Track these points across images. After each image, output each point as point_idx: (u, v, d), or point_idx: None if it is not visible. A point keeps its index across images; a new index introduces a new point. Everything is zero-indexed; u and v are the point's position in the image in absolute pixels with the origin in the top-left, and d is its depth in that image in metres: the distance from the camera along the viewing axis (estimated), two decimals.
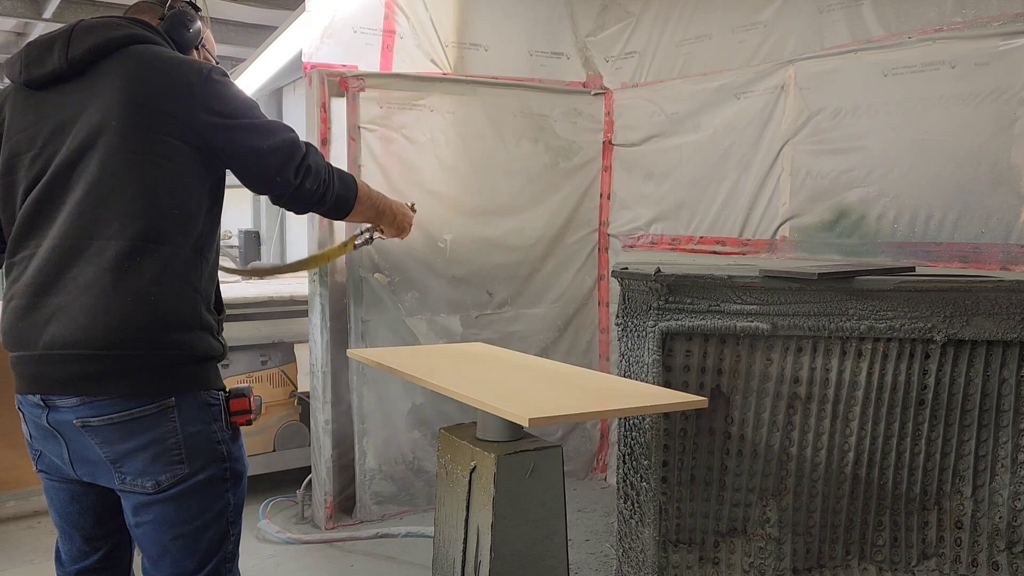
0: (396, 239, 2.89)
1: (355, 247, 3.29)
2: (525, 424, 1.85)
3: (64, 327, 1.61)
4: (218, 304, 1.90)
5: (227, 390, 1.82)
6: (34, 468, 1.87)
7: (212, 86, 1.75)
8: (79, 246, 1.64)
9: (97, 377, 1.62)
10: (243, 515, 1.86)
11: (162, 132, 1.68)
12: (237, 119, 1.78)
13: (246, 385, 1.86)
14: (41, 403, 1.68)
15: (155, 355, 1.66)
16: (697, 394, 2.70)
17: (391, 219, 2.58)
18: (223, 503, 1.78)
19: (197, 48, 2.03)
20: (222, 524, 1.78)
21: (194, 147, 1.72)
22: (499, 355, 2.82)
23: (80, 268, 1.63)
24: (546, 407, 1.96)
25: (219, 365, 1.83)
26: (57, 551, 1.92)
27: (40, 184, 1.69)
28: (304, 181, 1.90)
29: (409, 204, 2.83)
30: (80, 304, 1.61)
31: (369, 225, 2.94)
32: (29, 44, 1.80)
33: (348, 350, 2.91)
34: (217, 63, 2.02)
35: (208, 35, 2.10)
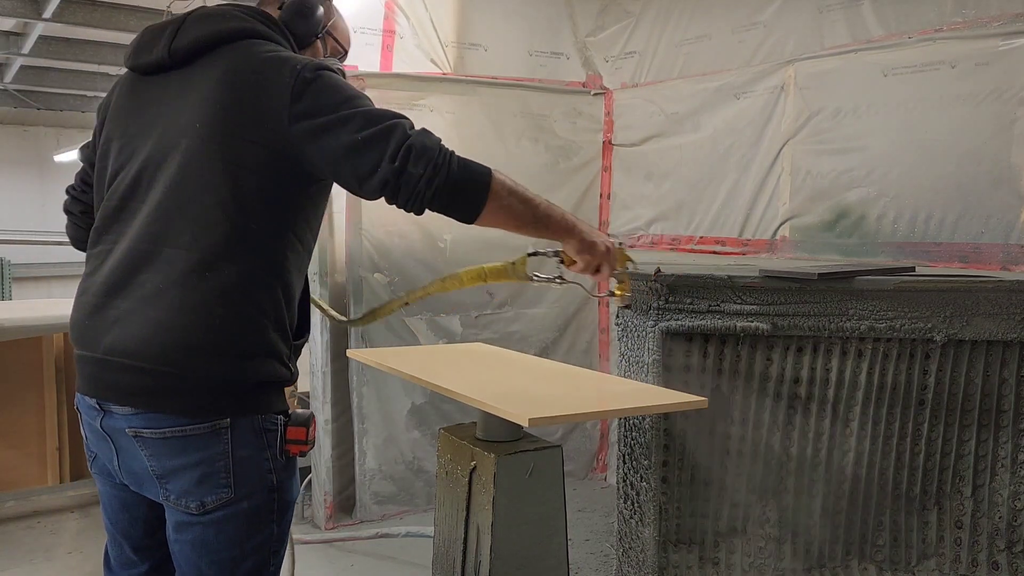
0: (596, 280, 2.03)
1: (529, 278, 2.20)
2: (525, 424, 1.84)
3: (125, 335, 1.55)
4: (300, 329, 1.76)
5: (289, 414, 1.70)
6: (89, 468, 1.79)
7: (305, 85, 1.58)
8: (152, 251, 1.56)
9: (152, 391, 1.55)
10: (285, 544, 1.76)
11: (247, 139, 1.57)
12: (327, 115, 1.59)
13: (309, 412, 1.72)
14: (97, 407, 1.62)
15: (211, 377, 1.56)
16: (697, 394, 2.70)
17: (568, 232, 1.89)
18: (266, 534, 1.67)
19: (322, 38, 1.88)
20: (263, 555, 1.68)
21: (283, 157, 1.59)
22: (499, 355, 2.81)
23: (149, 275, 1.56)
24: (546, 407, 1.95)
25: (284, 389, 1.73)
26: (106, 554, 1.85)
27: (122, 178, 1.63)
28: (406, 164, 1.63)
29: (616, 243, 2.01)
30: (144, 314, 1.54)
31: (552, 250, 2.06)
32: (145, 28, 1.73)
33: (348, 350, 2.80)
34: (344, 53, 1.93)
35: (339, 23, 1.94)
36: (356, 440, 3.82)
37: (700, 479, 2.74)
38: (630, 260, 2.06)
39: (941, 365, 2.57)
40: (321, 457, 3.84)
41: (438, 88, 3.91)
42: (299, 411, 1.72)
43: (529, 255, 2.16)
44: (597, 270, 1.92)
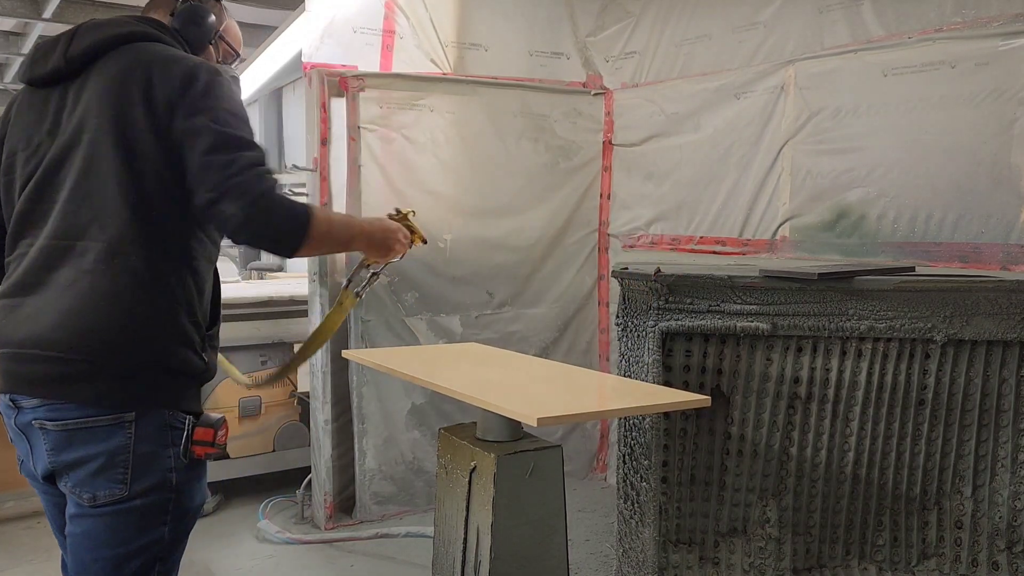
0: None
1: (359, 296, 2.48)
2: (533, 424, 1.84)
3: (38, 326, 1.57)
4: (212, 318, 1.78)
5: (198, 415, 1.70)
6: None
7: (192, 82, 1.62)
8: (64, 247, 1.60)
9: (61, 379, 1.56)
10: (178, 550, 1.71)
11: (141, 130, 1.60)
12: (199, 119, 1.61)
13: (221, 416, 1.73)
14: (11, 403, 1.63)
15: (122, 363, 1.58)
16: (697, 394, 2.71)
17: (368, 243, 2.04)
18: (155, 535, 1.64)
19: (214, 43, 1.93)
20: (148, 558, 1.63)
21: (174, 148, 1.62)
22: (495, 355, 2.82)
23: (63, 269, 1.59)
24: (552, 407, 1.96)
25: (200, 385, 1.73)
26: (62, 559, 1.84)
27: (32, 183, 1.66)
28: (221, 199, 1.58)
29: (399, 213, 2.33)
30: (56, 305, 1.57)
31: (358, 266, 2.44)
32: (37, 43, 1.79)
33: (344, 351, 2.81)
34: (236, 55, 1.97)
35: (230, 27, 1.99)
36: (356, 440, 3.82)
37: (700, 479, 2.74)
38: (410, 212, 2.36)
39: (941, 365, 2.57)
40: (321, 457, 3.84)
41: (438, 88, 3.91)
42: (211, 414, 1.73)
43: (346, 287, 2.45)
44: (395, 251, 2.13)
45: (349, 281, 2.45)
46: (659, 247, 4.10)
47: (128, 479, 1.59)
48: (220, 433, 1.72)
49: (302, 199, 4.13)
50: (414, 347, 3.70)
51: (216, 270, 1.84)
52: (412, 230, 2.27)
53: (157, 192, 1.62)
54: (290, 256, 1.79)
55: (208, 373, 1.74)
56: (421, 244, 2.37)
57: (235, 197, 1.58)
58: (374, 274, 2.47)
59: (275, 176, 1.69)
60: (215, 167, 1.59)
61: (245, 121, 1.70)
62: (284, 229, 1.65)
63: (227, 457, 1.75)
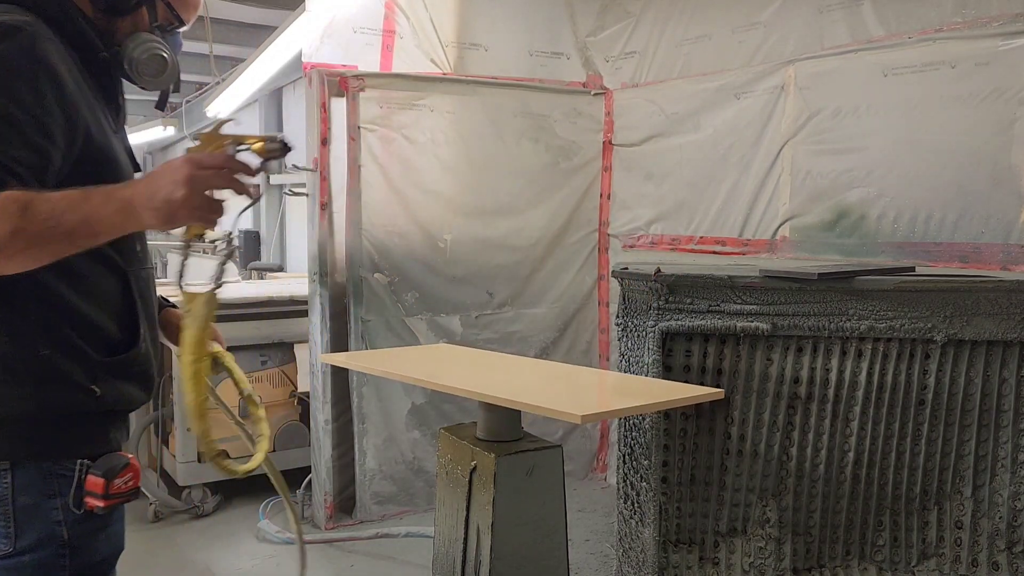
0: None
1: (218, 286, 1.56)
2: (579, 421, 1.83)
3: None
4: (128, 331, 1.48)
5: (96, 459, 1.43)
6: None
7: None
8: None
9: None
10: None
11: None
12: None
13: (124, 459, 1.46)
14: None
15: None
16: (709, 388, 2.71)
17: (154, 219, 1.29)
18: None
19: (148, 3, 1.59)
20: None
21: None
22: (473, 356, 2.80)
23: None
24: (592, 404, 1.97)
25: (106, 421, 1.46)
26: None
27: None
28: None
29: (192, 138, 1.58)
30: None
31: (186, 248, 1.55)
32: None
33: (322, 354, 2.51)
34: (180, 23, 1.65)
35: None
36: (356, 440, 3.82)
37: (700, 479, 2.74)
38: (227, 121, 1.45)
39: (941, 365, 2.57)
40: (321, 457, 3.84)
41: (438, 88, 3.91)
42: (115, 456, 1.45)
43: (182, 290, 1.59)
44: (210, 200, 1.30)
45: (179, 280, 1.55)
46: (659, 247, 4.10)
47: (12, 533, 1.39)
48: (117, 482, 1.43)
49: (303, 197, 4.12)
50: (390, 349, 3.64)
51: (129, 273, 1.51)
52: (237, 144, 1.40)
53: None
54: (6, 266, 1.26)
55: (110, 405, 1.46)
56: (270, 152, 1.44)
57: None
58: (224, 241, 1.60)
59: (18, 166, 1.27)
60: None
61: (13, 104, 1.29)
62: None
63: (130, 500, 1.47)
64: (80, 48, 1.51)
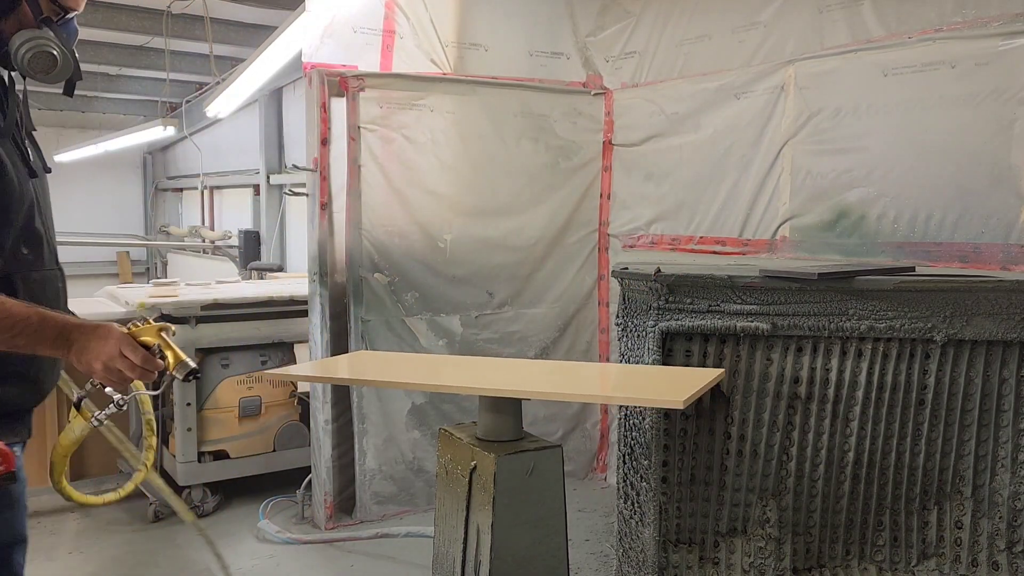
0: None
1: (99, 422, 1.73)
2: (680, 407, 1.98)
3: None
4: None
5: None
6: None
7: None
8: None
9: None
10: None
11: None
12: None
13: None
14: None
15: None
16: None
17: (76, 361, 1.54)
18: None
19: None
20: None
21: None
22: (430, 361, 2.73)
23: None
24: (681, 391, 2.08)
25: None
26: None
27: None
28: None
29: (140, 325, 1.64)
30: None
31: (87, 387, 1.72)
32: None
33: (273, 370, 2.12)
34: (64, 12, 1.65)
35: None
36: (356, 440, 3.82)
37: (700, 479, 2.74)
38: (166, 327, 1.65)
39: (941, 365, 2.57)
40: (321, 457, 3.84)
41: (438, 88, 3.91)
42: None
43: (76, 405, 1.76)
44: (120, 375, 1.55)
45: (80, 400, 1.75)
46: (659, 247, 4.10)
47: None
48: None
49: (303, 197, 4.13)
50: (352, 354, 3.59)
51: (29, 268, 1.61)
52: (162, 351, 1.62)
53: None
54: None
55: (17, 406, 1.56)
56: (176, 375, 1.64)
57: None
58: (115, 403, 1.71)
59: None
60: None
61: None
62: None
63: (2, 486, 1.53)
64: None
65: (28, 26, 1.60)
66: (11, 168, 1.56)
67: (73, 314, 1.67)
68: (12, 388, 1.59)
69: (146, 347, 1.59)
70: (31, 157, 1.68)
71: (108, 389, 1.65)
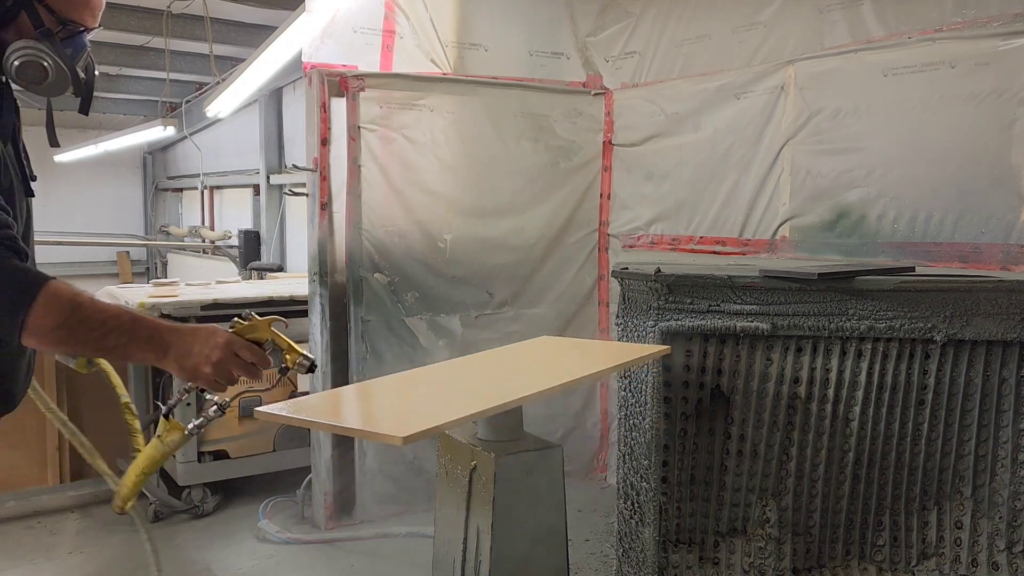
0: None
1: (190, 434, 1.75)
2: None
3: None
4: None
5: None
6: None
7: None
8: None
9: None
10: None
11: None
12: None
13: None
14: None
15: None
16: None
17: (177, 367, 1.48)
18: None
19: (25, 6, 1.57)
20: None
21: None
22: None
23: None
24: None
25: None
26: None
27: None
28: None
29: (245, 320, 1.61)
30: None
31: (182, 390, 1.73)
32: None
33: (256, 409, 1.91)
34: (63, 25, 1.61)
35: None
36: (356, 440, 3.82)
37: (700, 479, 2.74)
38: (278, 321, 1.66)
39: (941, 365, 2.57)
40: (321, 457, 3.84)
41: (438, 88, 3.91)
42: None
43: (166, 416, 1.74)
44: (230, 377, 1.50)
45: (171, 409, 1.74)
46: (659, 247, 4.10)
47: None
48: None
49: (302, 197, 4.13)
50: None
51: None
52: (276, 347, 1.61)
53: None
54: (20, 338, 1.36)
55: None
56: (298, 367, 1.66)
57: None
58: (218, 407, 1.72)
59: (7, 229, 1.40)
60: None
61: None
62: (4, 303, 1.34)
63: None
64: None
65: (27, 37, 1.58)
66: (16, 190, 1.56)
67: None
68: None
69: (257, 343, 1.54)
70: (31, 175, 1.67)
71: (206, 394, 1.58)
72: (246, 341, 1.53)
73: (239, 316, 1.59)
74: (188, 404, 3.37)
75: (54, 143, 1.79)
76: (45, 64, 1.58)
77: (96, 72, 1.74)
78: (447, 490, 2.38)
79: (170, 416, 1.70)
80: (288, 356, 1.62)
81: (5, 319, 1.34)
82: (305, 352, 1.64)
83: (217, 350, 1.46)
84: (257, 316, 1.59)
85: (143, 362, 1.52)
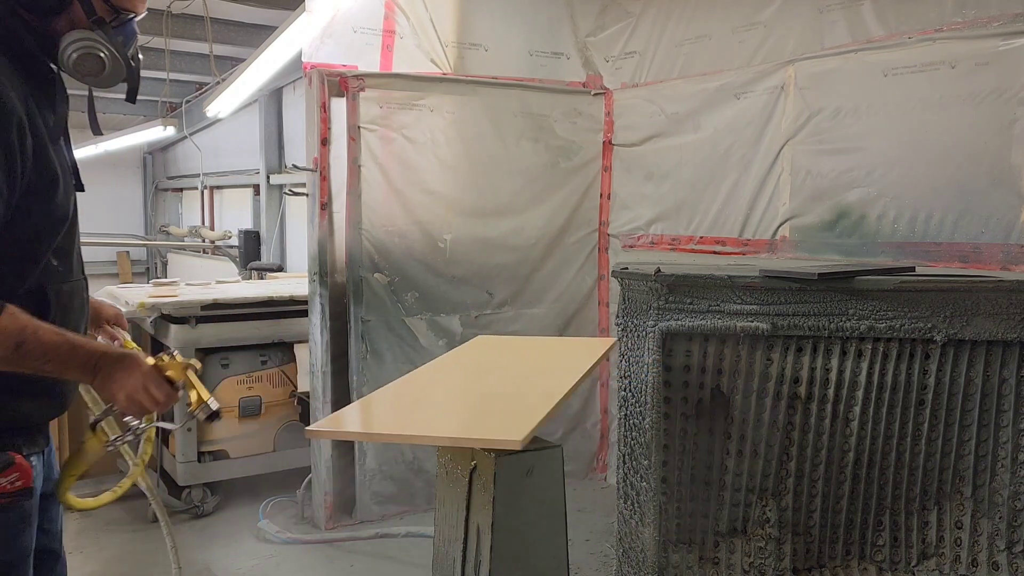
0: None
1: (109, 446, 1.80)
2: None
3: None
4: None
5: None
6: None
7: None
8: None
9: None
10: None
11: None
12: None
13: (11, 458, 1.52)
14: None
15: None
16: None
17: (100, 388, 1.58)
18: None
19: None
20: None
21: None
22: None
23: None
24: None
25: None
26: None
27: None
28: None
29: (166, 359, 1.66)
30: None
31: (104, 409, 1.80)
32: None
33: (307, 428, 2.00)
34: (117, 14, 1.61)
35: None
36: (356, 440, 3.82)
37: (700, 479, 2.74)
38: (191, 365, 1.69)
39: (941, 365, 2.56)
40: (321, 457, 3.84)
41: (438, 88, 3.91)
42: (6, 455, 1.52)
43: (91, 427, 1.80)
44: (140, 407, 1.59)
45: (96, 421, 1.79)
46: (659, 247, 4.10)
47: None
48: (1, 480, 1.50)
49: (303, 197, 4.13)
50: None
51: (60, 280, 1.62)
52: (180, 386, 1.66)
53: None
54: None
55: (30, 420, 1.58)
56: (200, 411, 1.70)
57: None
58: (131, 429, 1.79)
59: None
60: None
61: None
62: None
63: (19, 501, 1.55)
64: (22, 58, 1.51)
65: (80, 26, 1.56)
66: (62, 184, 1.56)
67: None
68: (38, 402, 1.60)
69: (170, 382, 1.61)
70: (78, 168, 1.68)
71: (127, 417, 1.69)
72: (161, 377, 1.60)
73: (164, 352, 1.68)
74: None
75: (97, 131, 1.80)
76: (102, 55, 1.57)
77: (140, 58, 1.73)
78: (447, 490, 2.38)
79: (95, 428, 1.77)
80: (194, 400, 1.69)
81: None
82: (209, 401, 1.70)
83: (132, 381, 1.55)
84: (179, 357, 1.67)
85: (76, 380, 1.62)
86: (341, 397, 3.82)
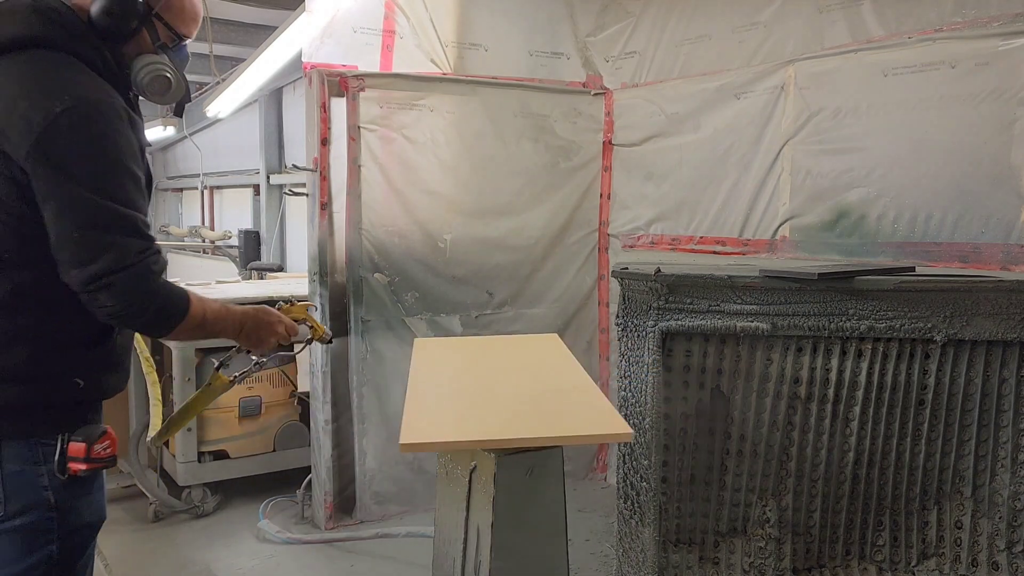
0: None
1: (233, 381, 2.30)
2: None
3: None
4: (101, 329, 1.68)
5: (74, 432, 1.64)
6: None
7: (55, 134, 1.50)
8: None
9: None
10: (75, 568, 1.67)
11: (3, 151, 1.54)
12: (62, 180, 1.52)
13: (102, 428, 1.67)
14: None
15: None
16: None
17: (237, 334, 1.96)
18: (42, 555, 1.60)
19: (146, 25, 1.73)
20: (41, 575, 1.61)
21: (28, 201, 1.55)
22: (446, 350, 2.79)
23: None
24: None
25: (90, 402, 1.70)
26: None
27: None
28: (98, 295, 1.56)
29: (289, 304, 2.20)
30: None
31: (233, 349, 2.20)
32: None
33: (401, 442, 1.99)
34: (180, 39, 1.80)
35: (174, 2, 1.77)
36: (356, 440, 3.82)
37: (700, 479, 2.74)
38: (310, 305, 2.34)
39: (941, 365, 2.57)
40: (321, 457, 3.84)
41: (438, 88, 3.91)
42: (92, 425, 1.65)
43: (217, 369, 2.26)
44: (273, 343, 2.04)
45: (221, 364, 2.25)
46: (659, 247, 4.10)
47: (2, 499, 1.57)
48: (97, 447, 1.63)
49: (303, 197, 4.13)
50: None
51: None
52: (304, 323, 2.23)
53: (28, 211, 1.55)
54: (161, 337, 1.88)
55: (90, 394, 1.68)
56: (321, 341, 2.34)
57: (117, 293, 1.56)
58: (257, 363, 2.32)
59: (157, 253, 1.63)
60: (87, 249, 1.54)
61: (122, 171, 1.58)
62: (154, 322, 1.68)
63: (109, 466, 1.70)
64: (116, 84, 1.69)
65: (147, 51, 1.75)
66: (149, 184, 1.73)
67: None
68: (118, 375, 1.76)
69: (296, 321, 2.12)
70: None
71: (251, 354, 2.16)
72: (289, 319, 2.06)
73: (280, 302, 2.17)
74: (188, 380, 3.76)
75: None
76: (168, 76, 1.76)
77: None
78: (447, 490, 2.38)
79: (220, 370, 2.23)
80: (316, 331, 2.32)
81: (157, 330, 1.75)
82: (327, 330, 2.36)
83: (276, 328, 2.01)
84: (295, 302, 2.21)
85: (227, 337, 1.94)
86: (341, 397, 3.82)
